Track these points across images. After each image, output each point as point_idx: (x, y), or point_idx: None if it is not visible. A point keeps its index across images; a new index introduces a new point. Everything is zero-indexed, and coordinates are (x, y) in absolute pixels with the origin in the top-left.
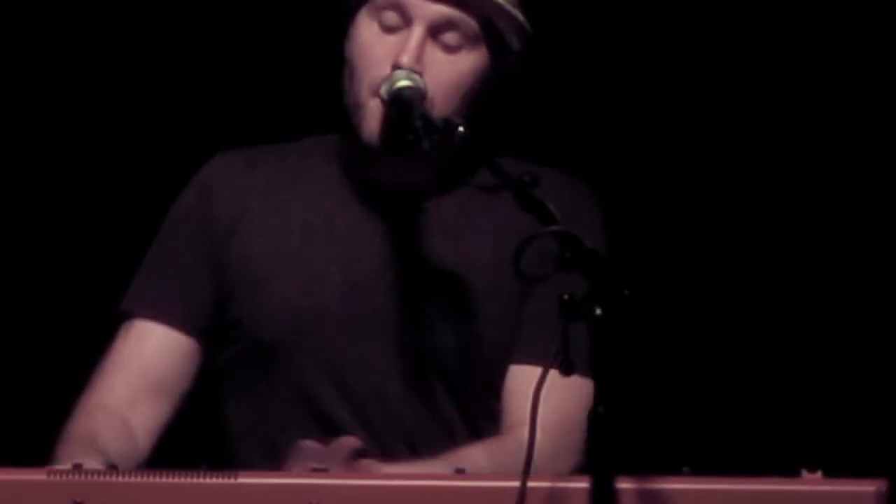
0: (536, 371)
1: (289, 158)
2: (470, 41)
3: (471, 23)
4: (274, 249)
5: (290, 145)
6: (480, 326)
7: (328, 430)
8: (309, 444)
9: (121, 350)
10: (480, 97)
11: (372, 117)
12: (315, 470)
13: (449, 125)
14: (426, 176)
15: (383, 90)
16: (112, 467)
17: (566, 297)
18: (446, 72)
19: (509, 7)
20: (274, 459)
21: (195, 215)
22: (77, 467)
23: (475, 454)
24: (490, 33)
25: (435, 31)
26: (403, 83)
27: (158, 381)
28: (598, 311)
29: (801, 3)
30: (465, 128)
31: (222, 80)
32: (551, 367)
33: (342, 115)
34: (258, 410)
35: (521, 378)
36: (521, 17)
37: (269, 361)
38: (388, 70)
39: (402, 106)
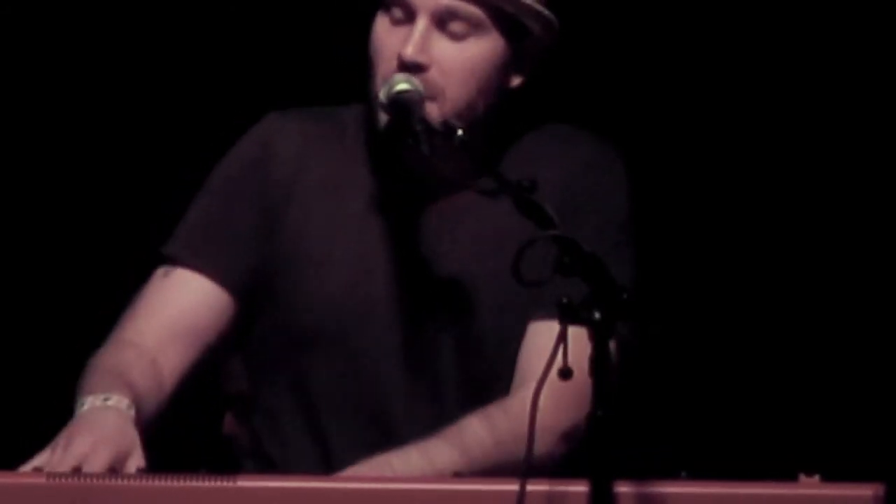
0: (551, 325)
1: (343, 135)
2: (478, 28)
3: (475, 10)
4: (328, 235)
5: (340, 115)
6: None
7: (371, 416)
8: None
9: (156, 293)
10: (500, 83)
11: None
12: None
13: (448, 128)
14: (465, 171)
15: (382, 94)
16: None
17: (564, 300)
18: (454, 60)
19: None
20: (316, 438)
21: (255, 168)
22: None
23: (476, 427)
24: (502, 18)
25: (440, 21)
26: (402, 86)
27: (191, 328)
28: (597, 315)
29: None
30: (464, 131)
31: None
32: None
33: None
34: (299, 389)
35: (537, 335)
36: (527, 0)
37: (314, 346)
38: (395, 63)
39: (401, 109)
